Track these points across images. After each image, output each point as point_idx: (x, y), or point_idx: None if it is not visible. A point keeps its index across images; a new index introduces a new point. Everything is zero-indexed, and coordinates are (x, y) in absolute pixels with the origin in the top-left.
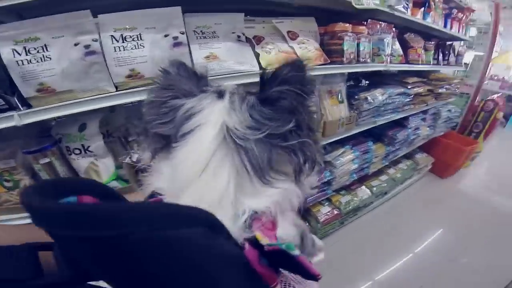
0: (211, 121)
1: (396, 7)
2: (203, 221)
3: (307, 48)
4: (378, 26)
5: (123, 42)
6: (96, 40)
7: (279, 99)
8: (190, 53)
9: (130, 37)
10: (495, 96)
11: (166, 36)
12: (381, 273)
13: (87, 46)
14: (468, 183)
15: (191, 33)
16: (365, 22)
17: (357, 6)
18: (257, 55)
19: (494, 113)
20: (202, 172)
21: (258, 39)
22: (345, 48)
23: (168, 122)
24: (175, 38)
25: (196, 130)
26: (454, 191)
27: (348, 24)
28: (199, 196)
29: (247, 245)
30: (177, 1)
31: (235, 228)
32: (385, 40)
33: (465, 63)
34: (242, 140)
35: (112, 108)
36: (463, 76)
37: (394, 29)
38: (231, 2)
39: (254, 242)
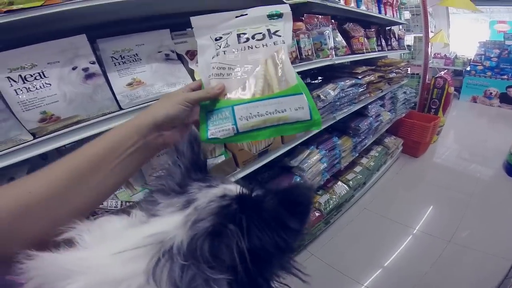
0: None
1: None
2: None
3: None
4: (316, 19)
5: (23, 83)
6: None
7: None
8: (109, 82)
9: (31, 76)
10: (442, 73)
11: (74, 69)
12: (385, 262)
13: None
14: (442, 156)
15: (108, 59)
16: (302, 18)
17: (287, 1)
18: (191, 72)
19: (446, 88)
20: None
21: (192, 54)
22: None
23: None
24: (86, 69)
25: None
26: (431, 166)
27: None
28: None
29: None
30: (90, 27)
31: None
32: (325, 33)
33: (407, 46)
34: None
35: (43, 156)
36: (409, 58)
37: (333, 21)
38: (156, 18)
39: None
